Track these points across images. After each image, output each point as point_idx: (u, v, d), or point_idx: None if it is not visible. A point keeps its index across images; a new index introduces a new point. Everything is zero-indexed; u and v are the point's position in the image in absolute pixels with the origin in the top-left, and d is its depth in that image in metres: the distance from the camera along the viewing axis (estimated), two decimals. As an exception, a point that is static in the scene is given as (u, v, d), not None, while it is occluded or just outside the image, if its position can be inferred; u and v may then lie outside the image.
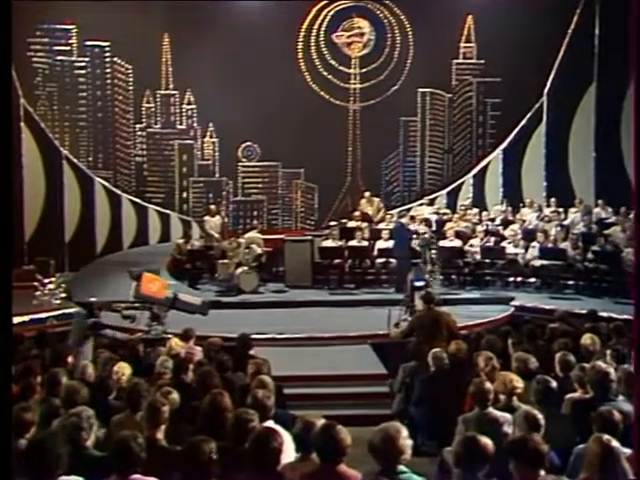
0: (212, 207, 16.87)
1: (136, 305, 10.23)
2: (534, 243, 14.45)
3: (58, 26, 18.46)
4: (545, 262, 14.02)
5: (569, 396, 6.03)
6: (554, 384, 5.70)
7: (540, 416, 4.91)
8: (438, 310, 9.20)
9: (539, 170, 19.26)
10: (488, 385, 5.68)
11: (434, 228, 15.79)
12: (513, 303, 13.14)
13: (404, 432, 4.10)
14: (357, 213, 16.48)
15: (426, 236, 13.37)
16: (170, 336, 9.28)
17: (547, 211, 16.57)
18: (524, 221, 15.98)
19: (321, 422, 4.46)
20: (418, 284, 10.84)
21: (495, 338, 8.04)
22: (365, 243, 14.88)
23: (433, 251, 13.28)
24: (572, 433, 5.29)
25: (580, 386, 6.08)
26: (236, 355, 7.60)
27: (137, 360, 7.67)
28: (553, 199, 17.02)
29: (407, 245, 13.88)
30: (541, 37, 18.24)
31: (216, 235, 15.80)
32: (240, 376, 6.87)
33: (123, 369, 6.66)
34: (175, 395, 5.66)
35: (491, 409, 5.55)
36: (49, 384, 6.08)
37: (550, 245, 14.36)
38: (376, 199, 17.30)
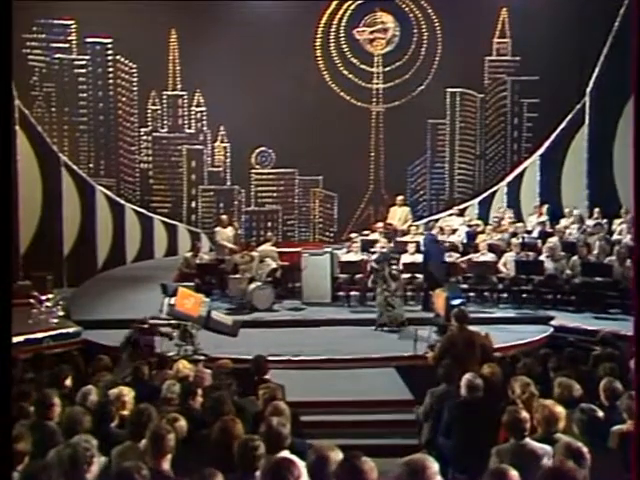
0: (224, 217, 16.83)
1: (172, 322, 10.39)
2: (575, 257, 14.36)
3: (56, 21, 18.60)
4: (588, 279, 13.91)
5: (616, 428, 5.94)
6: (601, 414, 5.63)
7: (584, 449, 4.84)
8: (472, 330, 9.15)
9: (581, 177, 19.10)
10: (525, 414, 5.62)
11: (464, 240, 15.76)
12: (552, 323, 13.05)
13: (434, 467, 4.03)
14: (380, 224, 16.47)
15: (385, 250, 13.26)
16: (202, 357, 9.43)
17: (589, 222, 16.46)
18: (564, 233, 15.88)
19: (336, 453, 4.42)
20: (455, 302, 10.79)
21: (533, 362, 7.98)
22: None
23: (393, 267, 13.17)
24: (621, 469, 5.21)
25: (630, 417, 6.00)
26: (250, 379, 7.59)
27: (141, 383, 7.67)
28: (597, 209, 16.91)
29: (439, 259, 13.85)
30: (583, 31, 18.19)
31: (230, 245, 15.77)
32: (253, 402, 6.85)
33: (125, 394, 6.65)
34: (182, 422, 5.66)
35: (528, 440, 5.50)
36: (39, 407, 6.09)
37: (593, 260, 14.26)
38: (407, 208, 17.32)
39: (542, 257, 14.60)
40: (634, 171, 3.92)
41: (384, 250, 13.42)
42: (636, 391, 4.32)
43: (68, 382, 7.35)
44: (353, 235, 16.33)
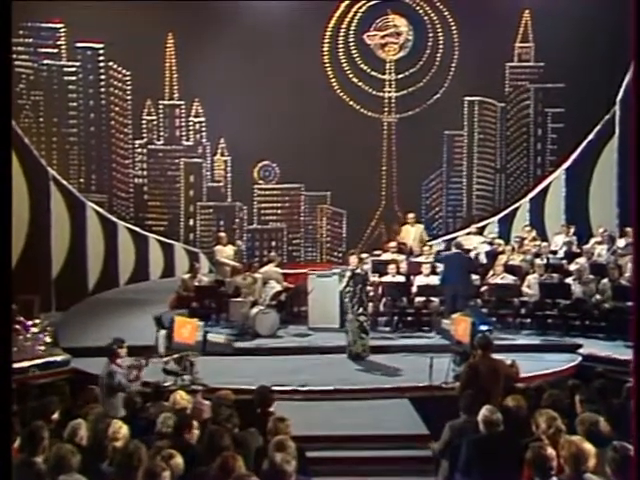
0: (222, 234, 16.69)
1: (175, 356, 10.43)
2: (605, 280, 14.32)
3: (44, 24, 18.72)
4: (619, 303, 13.86)
5: (653, 469, 5.90)
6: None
7: (617, 492, 4.81)
8: (496, 359, 9.13)
9: (610, 193, 19.01)
10: (551, 451, 5.59)
11: (485, 261, 15.74)
12: (580, 351, 12.99)
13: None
14: (393, 244, 16.45)
15: (358, 271, 13.27)
16: (201, 387, 9.48)
17: (620, 242, 16.42)
18: (592, 254, 15.84)
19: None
20: (483, 328, 10.80)
21: (559, 394, 7.92)
22: (401, 278, 14.85)
23: (368, 288, 13.14)
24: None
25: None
26: (253, 411, 7.58)
27: (134, 416, 7.66)
28: (628, 228, 16.83)
29: (466, 280, 13.81)
30: (612, 33, 18.17)
31: (232, 264, 15.70)
32: (255, 436, 6.84)
33: (119, 429, 6.62)
34: (179, 459, 5.63)
35: (555, 480, 5.47)
36: (28, 441, 6.06)
37: (625, 283, 14.21)
38: (420, 225, 17.27)
39: (569, 280, 14.57)
40: (634, 187, 3.93)
41: (358, 271, 13.28)
42: (636, 408, 4.30)
43: (55, 415, 7.33)
44: (364, 255, 16.33)
